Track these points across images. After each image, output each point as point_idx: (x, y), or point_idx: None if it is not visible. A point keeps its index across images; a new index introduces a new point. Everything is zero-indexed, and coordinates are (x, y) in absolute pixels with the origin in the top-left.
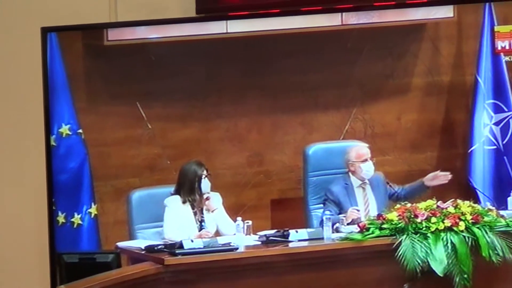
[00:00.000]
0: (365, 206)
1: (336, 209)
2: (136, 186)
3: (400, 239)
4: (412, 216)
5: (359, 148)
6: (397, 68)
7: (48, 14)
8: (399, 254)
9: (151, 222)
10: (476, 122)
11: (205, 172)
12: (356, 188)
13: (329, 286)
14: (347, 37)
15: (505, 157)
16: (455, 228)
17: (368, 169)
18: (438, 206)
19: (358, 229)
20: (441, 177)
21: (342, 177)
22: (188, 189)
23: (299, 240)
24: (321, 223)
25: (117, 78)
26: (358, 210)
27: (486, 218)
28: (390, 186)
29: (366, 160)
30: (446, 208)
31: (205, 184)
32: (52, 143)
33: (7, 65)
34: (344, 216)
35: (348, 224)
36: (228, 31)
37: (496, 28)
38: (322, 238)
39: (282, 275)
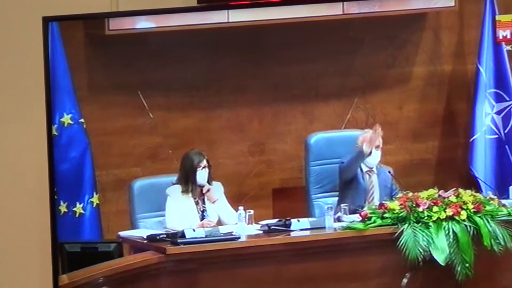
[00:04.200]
0: (370, 192)
1: None
2: (137, 176)
3: (402, 228)
4: (414, 205)
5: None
6: (398, 58)
7: (50, 4)
8: (401, 243)
9: (153, 211)
10: (478, 111)
11: (203, 163)
12: (364, 172)
13: (331, 275)
14: (348, 27)
15: (506, 146)
16: (456, 217)
17: (371, 157)
18: (440, 195)
19: (360, 218)
20: None
21: None
22: (184, 179)
23: (301, 229)
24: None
25: (119, 67)
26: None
27: (488, 207)
28: (393, 186)
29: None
30: (448, 197)
31: (201, 176)
32: (54, 132)
33: (8, 54)
34: (347, 205)
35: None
36: (230, 20)
37: (498, 17)
38: (324, 228)
39: (284, 264)
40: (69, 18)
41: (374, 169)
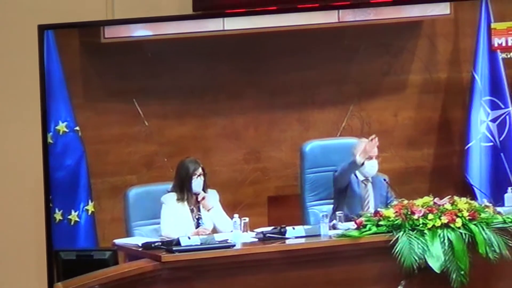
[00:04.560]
0: (366, 201)
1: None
2: (133, 183)
3: (397, 236)
4: (409, 212)
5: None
6: (394, 65)
7: (45, 12)
8: (396, 250)
9: (148, 219)
10: (473, 119)
11: (198, 171)
12: (360, 181)
13: (326, 283)
14: (344, 35)
15: (501, 154)
16: (452, 225)
17: (370, 167)
18: (435, 203)
19: (355, 226)
20: None
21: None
22: (179, 187)
23: (296, 237)
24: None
25: (114, 75)
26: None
27: (483, 215)
28: (388, 194)
29: (371, 157)
30: (443, 205)
31: (196, 184)
32: (49, 140)
33: (4, 62)
34: (342, 213)
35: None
36: (225, 28)
37: (493, 25)
38: (319, 235)
39: (279, 272)
40: (65, 26)
41: (370, 177)
